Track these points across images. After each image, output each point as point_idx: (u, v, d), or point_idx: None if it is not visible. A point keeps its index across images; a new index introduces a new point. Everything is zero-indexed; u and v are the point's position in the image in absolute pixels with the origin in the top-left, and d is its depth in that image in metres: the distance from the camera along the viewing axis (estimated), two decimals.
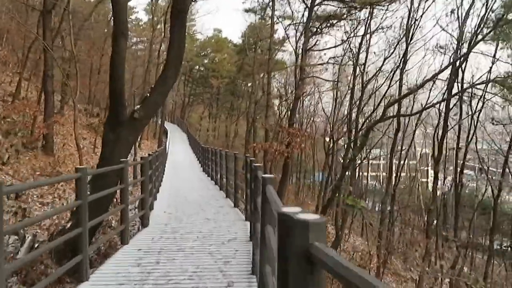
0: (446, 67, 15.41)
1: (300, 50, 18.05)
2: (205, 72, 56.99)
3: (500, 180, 18.05)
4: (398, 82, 16.88)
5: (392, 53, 19.51)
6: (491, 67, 18.54)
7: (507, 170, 19.31)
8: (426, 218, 18.13)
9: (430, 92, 20.86)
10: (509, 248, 22.12)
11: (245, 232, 7.46)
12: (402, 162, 24.94)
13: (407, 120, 26.49)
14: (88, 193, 8.21)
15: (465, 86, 16.77)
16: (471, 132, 20.54)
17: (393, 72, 17.97)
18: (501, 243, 23.99)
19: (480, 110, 19.65)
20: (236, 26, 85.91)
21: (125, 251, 6.31)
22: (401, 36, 17.87)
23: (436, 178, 17.46)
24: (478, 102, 18.75)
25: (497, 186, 19.45)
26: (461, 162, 18.92)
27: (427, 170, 43.19)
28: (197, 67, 59.00)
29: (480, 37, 14.86)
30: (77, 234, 4.79)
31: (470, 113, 18.49)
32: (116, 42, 8.15)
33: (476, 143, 21.65)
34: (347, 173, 19.48)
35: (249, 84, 46.90)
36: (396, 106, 23.41)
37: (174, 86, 63.74)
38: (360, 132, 20.51)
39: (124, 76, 8.56)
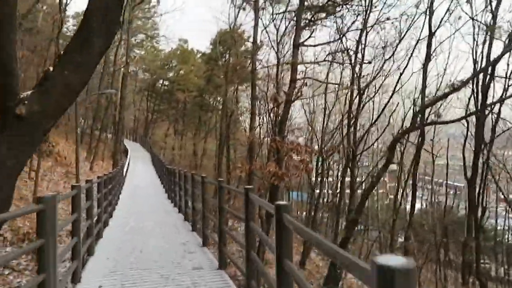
0: (488, 65, 12.25)
1: (291, 45, 14.59)
2: (170, 86, 52.67)
3: None
4: (421, 81, 13.57)
5: (397, 46, 16.30)
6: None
7: None
8: (462, 256, 14.68)
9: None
10: None
11: None
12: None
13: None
14: None
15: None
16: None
17: (401, 69, 14.75)
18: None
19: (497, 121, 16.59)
20: (203, 35, 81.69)
21: None
22: (410, 24, 14.62)
23: (473, 203, 14.03)
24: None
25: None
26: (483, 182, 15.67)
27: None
28: (161, 81, 54.66)
29: None
30: None
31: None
32: None
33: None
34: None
35: (219, 99, 43.14)
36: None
37: (136, 101, 59.42)
38: (354, 147, 17.03)
39: (15, 42, 4.44)
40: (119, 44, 26.78)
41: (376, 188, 34.14)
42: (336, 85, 18.71)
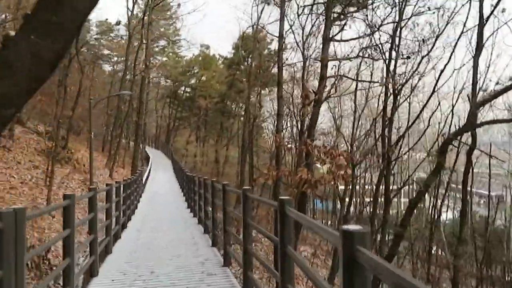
0: None
1: (318, 44, 13.49)
2: (192, 93, 52.17)
3: None
4: (471, 75, 12.07)
5: (436, 41, 14.93)
6: None
7: None
8: None
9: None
10: None
11: None
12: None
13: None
14: None
15: None
16: None
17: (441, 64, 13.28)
18: None
19: None
20: (225, 37, 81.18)
21: None
22: (450, 17, 13.20)
23: None
24: None
25: None
26: None
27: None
28: (183, 88, 54.21)
29: None
30: None
31: None
32: None
33: None
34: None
35: (241, 105, 42.23)
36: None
37: (158, 108, 59.51)
38: (391, 152, 15.60)
39: None
40: (138, 48, 26.15)
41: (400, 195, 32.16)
42: (368, 85, 17.36)
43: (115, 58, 47.70)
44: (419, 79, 17.85)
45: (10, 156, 19.55)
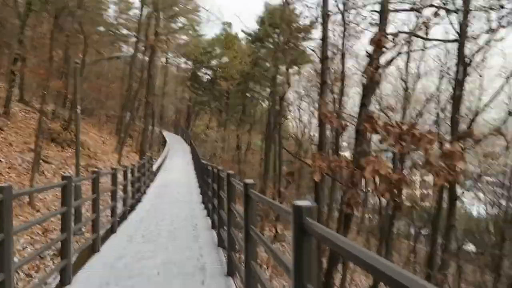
0: None
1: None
2: (212, 75, 49.12)
3: None
4: None
5: None
6: None
7: None
8: None
9: None
10: None
11: None
12: None
13: None
14: None
15: None
16: None
17: None
18: None
19: None
20: (247, 13, 76.64)
21: None
22: None
23: None
24: None
25: None
26: None
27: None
28: (203, 70, 51.13)
29: None
30: None
31: None
32: None
33: None
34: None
35: (265, 88, 38.97)
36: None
37: (177, 92, 56.36)
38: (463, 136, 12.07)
39: None
40: (150, 17, 23.12)
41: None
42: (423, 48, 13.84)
43: (134, 39, 45.12)
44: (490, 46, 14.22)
45: (1, 137, 17.01)
